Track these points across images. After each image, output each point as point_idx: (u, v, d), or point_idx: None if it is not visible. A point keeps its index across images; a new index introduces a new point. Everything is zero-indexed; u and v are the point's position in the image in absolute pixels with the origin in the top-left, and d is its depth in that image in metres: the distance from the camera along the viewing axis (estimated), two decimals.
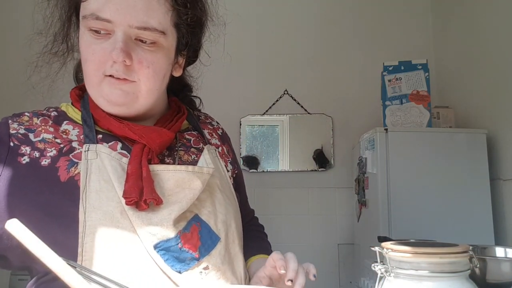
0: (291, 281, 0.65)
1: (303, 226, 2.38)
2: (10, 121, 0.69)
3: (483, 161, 1.77)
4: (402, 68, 1.92)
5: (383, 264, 0.57)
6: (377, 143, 1.78)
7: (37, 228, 0.57)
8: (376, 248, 0.59)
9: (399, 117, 1.88)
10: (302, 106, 2.46)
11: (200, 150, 0.79)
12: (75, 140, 0.70)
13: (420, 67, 1.90)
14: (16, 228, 0.40)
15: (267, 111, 2.47)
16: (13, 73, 2.53)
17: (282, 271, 0.65)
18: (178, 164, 0.74)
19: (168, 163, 0.74)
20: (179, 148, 0.77)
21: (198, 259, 0.66)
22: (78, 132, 0.71)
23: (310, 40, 2.54)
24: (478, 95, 2.01)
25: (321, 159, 2.41)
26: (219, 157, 0.83)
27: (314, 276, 0.69)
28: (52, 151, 0.67)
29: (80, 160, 0.67)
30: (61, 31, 0.71)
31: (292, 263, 0.67)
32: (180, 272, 0.64)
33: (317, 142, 2.43)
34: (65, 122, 0.72)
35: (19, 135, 0.67)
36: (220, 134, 0.89)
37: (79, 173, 0.66)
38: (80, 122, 0.72)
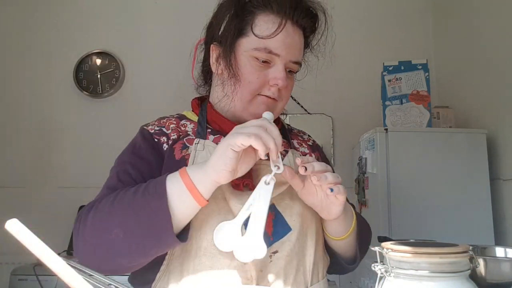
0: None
1: None
2: (144, 127, 0.90)
3: (483, 161, 1.77)
4: (402, 68, 1.91)
5: (383, 264, 0.57)
6: (377, 143, 1.78)
7: None
8: (376, 248, 0.59)
9: (399, 117, 1.88)
10: (302, 106, 2.46)
11: (287, 152, 0.92)
12: (190, 131, 0.89)
13: (420, 67, 1.90)
14: (16, 228, 0.40)
15: None
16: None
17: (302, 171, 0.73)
18: None
19: None
20: None
21: (271, 242, 0.76)
22: (193, 127, 0.90)
23: None
24: (478, 95, 2.01)
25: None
26: None
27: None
28: (174, 135, 0.87)
29: (191, 144, 0.84)
30: (230, 60, 0.86)
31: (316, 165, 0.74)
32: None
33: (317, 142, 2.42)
34: (184, 120, 0.92)
35: (156, 131, 0.88)
36: (310, 144, 1.03)
37: (188, 154, 0.83)
38: (196, 121, 0.92)
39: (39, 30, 2.51)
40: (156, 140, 0.86)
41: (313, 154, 0.99)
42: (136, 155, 0.84)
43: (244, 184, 0.79)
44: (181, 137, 0.87)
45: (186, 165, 0.79)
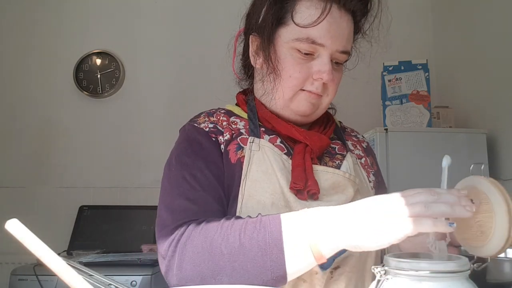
0: None
1: None
2: (196, 125, 0.79)
3: (483, 161, 1.77)
4: (402, 68, 1.91)
5: (383, 264, 0.57)
6: (377, 143, 1.78)
7: (218, 203, 0.71)
8: None
9: (399, 117, 1.88)
10: None
11: (344, 156, 0.84)
12: (242, 129, 0.79)
13: (420, 67, 1.90)
14: (16, 228, 0.40)
15: None
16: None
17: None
18: None
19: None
20: (325, 155, 0.83)
21: (333, 258, 0.67)
22: (244, 124, 0.81)
23: None
24: (478, 95, 2.01)
25: None
26: (360, 166, 0.86)
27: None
28: (227, 135, 0.77)
29: (245, 144, 0.76)
30: (269, 52, 0.78)
31: None
32: (322, 268, 0.67)
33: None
34: (233, 117, 0.82)
35: (212, 129, 0.78)
36: (365, 147, 0.94)
37: (243, 156, 0.75)
38: (245, 118, 0.82)
39: (39, 30, 2.51)
40: (213, 139, 0.76)
41: (367, 159, 0.90)
42: (200, 156, 0.74)
43: (310, 192, 0.71)
44: (234, 136, 0.77)
45: (241, 168, 0.72)
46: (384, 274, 0.55)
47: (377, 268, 0.56)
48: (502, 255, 0.90)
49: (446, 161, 0.60)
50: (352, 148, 0.89)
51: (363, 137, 0.98)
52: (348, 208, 0.58)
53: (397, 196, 0.55)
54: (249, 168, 0.73)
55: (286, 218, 0.59)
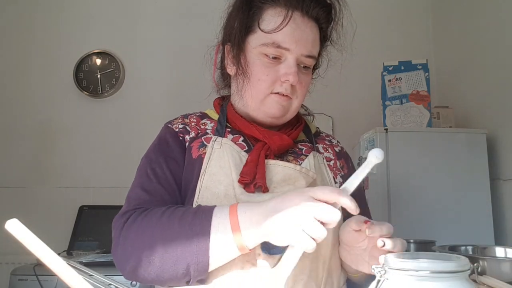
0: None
1: None
2: (169, 125, 0.90)
3: (483, 161, 1.77)
4: (402, 68, 1.91)
5: (383, 264, 0.57)
6: (377, 143, 1.78)
7: (179, 193, 0.80)
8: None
9: (399, 117, 1.88)
10: (302, 106, 2.46)
11: (306, 156, 0.89)
12: (209, 129, 0.88)
13: (420, 67, 1.90)
14: (16, 228, 0.40)
15: None
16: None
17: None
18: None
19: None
20: (290, 154, 0.89)
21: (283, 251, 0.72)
22: (213, 125, 0.89)
23: None
24: (478, 95, 2.01)
25: None
26: (326, 166, 0.92)
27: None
28: (192, 133, 0.86)
29: (208, 143, 0.83)
30: (239, 57, 0.85)
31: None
32: (268, 253, 0.72)
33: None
34: (205, 119, 0.91)
35: (181, 129, 0.87)
36: (337, 151, 0.99)
37: (205, 152, 0.82)
38: (216, 120, 0.90)
39: (39, 30, 2.51)
40: (181, 138, 0.86)
41: (338, 161, 0.96)
42: (164, 153, 0.83)
43: (256, 186, 0.77)
44: (199, 135, 0.86)
45: (201, 163, 0.79)
46: (384, 274, 0.55)
47: (377, 268, 0.56)
48: (502, 254, 0.90)
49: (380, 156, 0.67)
50: (322, 150, 0.95)
51: (338, 142, 1.05)
52: (269, 204, 0.65)
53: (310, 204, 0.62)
54: (209, 163, 0.80)
55: (218, 211, 0.67)
